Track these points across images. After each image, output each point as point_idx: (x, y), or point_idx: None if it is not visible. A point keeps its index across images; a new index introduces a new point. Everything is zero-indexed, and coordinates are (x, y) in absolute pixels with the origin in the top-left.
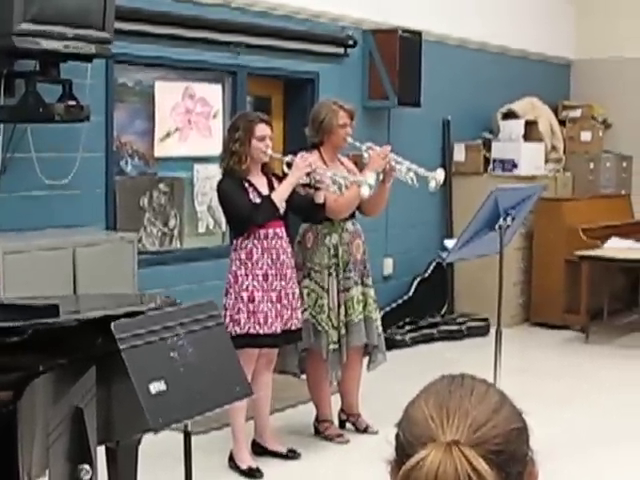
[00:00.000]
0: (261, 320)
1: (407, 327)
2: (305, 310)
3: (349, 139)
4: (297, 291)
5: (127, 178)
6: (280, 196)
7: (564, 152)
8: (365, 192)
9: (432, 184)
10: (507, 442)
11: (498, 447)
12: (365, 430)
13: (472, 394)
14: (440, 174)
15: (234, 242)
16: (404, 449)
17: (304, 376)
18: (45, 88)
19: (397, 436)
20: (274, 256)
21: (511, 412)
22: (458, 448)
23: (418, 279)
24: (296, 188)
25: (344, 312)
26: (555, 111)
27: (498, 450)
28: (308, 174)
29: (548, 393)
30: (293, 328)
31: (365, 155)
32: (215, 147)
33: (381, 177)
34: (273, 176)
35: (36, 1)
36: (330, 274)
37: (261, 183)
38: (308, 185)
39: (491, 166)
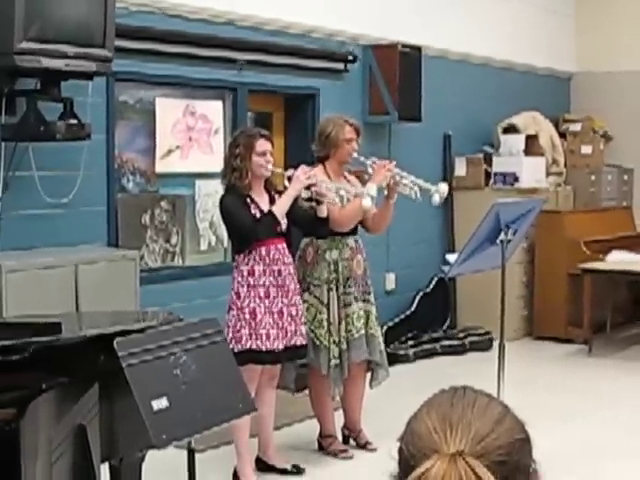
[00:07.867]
0: (263, 337)
1: (410, 342)
2: (304, 324)
3: (354, 154)
4: (301, 307)
5: (129, 195)
6: (281, 209)
7: (565, 165)
8: (367, 203)
9: (436, 197)
10: (510, 453)
11: (502, 458)
12: (364, 446)
13: (474, 406)
14: (443, 187)
15: (236, 259)
16: (408, 462)
17: (298, 394)
18: (46, 106)
19: (400, 450)
20: (276, 273)
21: (514, 423)
22: (463, 458)
23: (420, 294)
24: (299, 203)
25: (344, 327)
26: (556, 125)
27: (502, 461)
28: (309, 187)
29: (551, 406)
30: (298, 344)
31: (369, 170)
32: (216, 164)
33: (385, 192)
34: (275, 192)
35: (37, 20)
36: (330, 289)
37: (263, 200)
38: (310, 199)
39: (492, 180)
